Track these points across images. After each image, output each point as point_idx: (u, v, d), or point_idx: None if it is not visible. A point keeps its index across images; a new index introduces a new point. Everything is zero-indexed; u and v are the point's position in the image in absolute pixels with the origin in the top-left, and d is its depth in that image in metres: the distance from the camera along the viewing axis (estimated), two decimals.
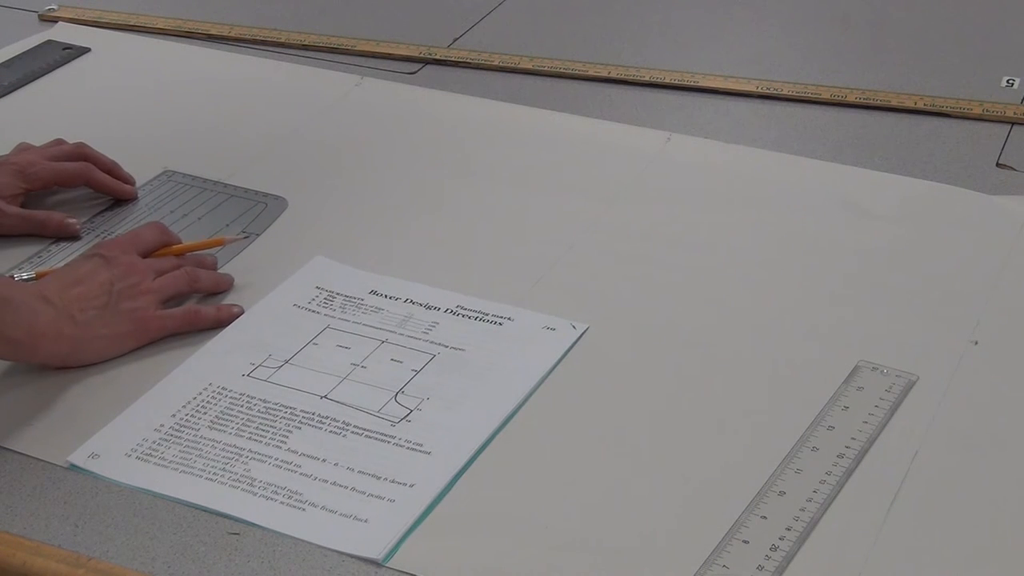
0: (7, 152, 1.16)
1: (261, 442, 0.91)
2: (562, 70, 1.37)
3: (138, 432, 0.92)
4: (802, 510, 0.84)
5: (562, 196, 1.17)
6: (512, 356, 0.98)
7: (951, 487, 0.87)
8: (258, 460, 0.90)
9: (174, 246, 1.07)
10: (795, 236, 1.11)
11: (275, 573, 0.82)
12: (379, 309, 1.03)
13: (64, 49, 1.42)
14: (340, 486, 0.88)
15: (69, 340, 0.96)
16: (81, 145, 1.17)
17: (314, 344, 1.00)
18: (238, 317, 1.02)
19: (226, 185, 1.18)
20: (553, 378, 0.96)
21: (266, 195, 1.17)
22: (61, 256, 1.09)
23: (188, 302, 1.04)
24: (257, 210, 1.16)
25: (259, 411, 0.94)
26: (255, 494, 0.87)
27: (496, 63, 1.39)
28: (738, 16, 1.49)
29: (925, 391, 0.94)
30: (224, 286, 1.06)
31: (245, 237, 1.11)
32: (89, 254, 1.02)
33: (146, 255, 1.05)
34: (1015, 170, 1.19)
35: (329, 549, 0.83)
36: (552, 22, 1.49)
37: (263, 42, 1.45)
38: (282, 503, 0.87)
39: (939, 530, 0.84)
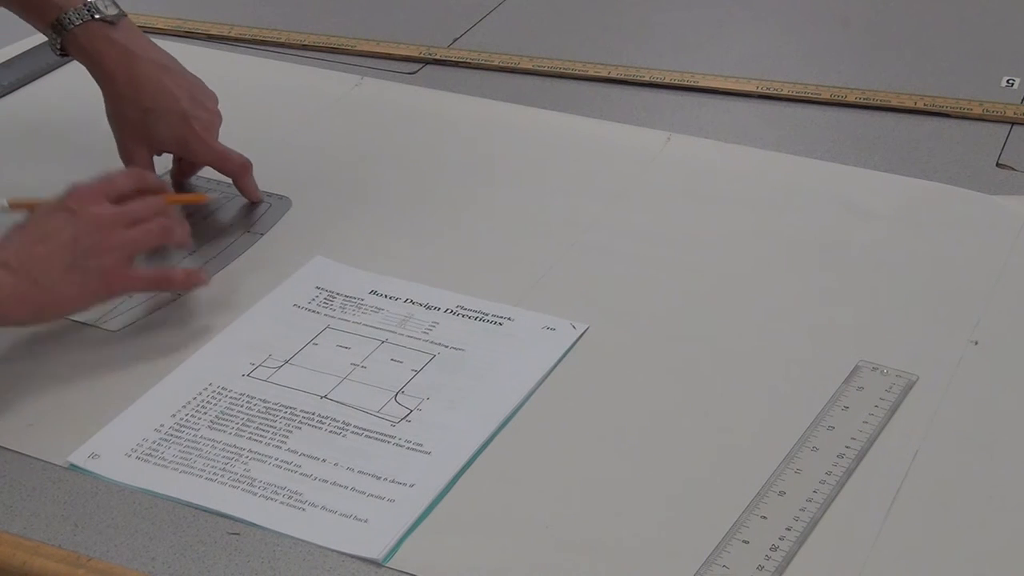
0: None
1: (261, 442, 0.91)
2: (562, 70, 1.37)
3: (138, 432, 0.92)
4: (802, 510, 0.84)
5: (562, 196, 1.17)
6: (512, 356, 0.98)
7: (951, 487, 0.87)
8: (258, 460, 0.90)
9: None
10: (795, 236, 1.11)
11: (275, 573, 0.82)
12: (379, 309, 1.03)
13: None
14: (340, 486, 0.88)
15: (31, 305, 0.95)
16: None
17: (314, 344, 1.00)
18: (204, 285, 1.02)
19: (230, 185, 1.18)
20: (553, 378, 0.96)
21: (270, 195, 1.17)
22: None
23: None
24: (262, 209, 1.16)
25: (259, 411, 0.94)
26: (255, 494, 0.87)
27: (496, 63, 1.39)
28: (738, 16, 1.49)
29: (925, 391, 0.94)
30: (189, 246, 1.06)
31: (226, 197, 1.15)
32: (56, 206, 0.98)
33: (119, 202, 1.00)
34: (1015, 170, 1.20)
35: (329, 549, 0.83)
36: (552, 22, 1.49)
37: (263, 42, 1.45)
38: (282, 503, 0.87)
39: (939, 530, 0.84)
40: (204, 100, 1.14)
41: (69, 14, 1.11)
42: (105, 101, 1.13)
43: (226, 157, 1.14)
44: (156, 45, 1.14)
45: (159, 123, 1.11)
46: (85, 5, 1.11)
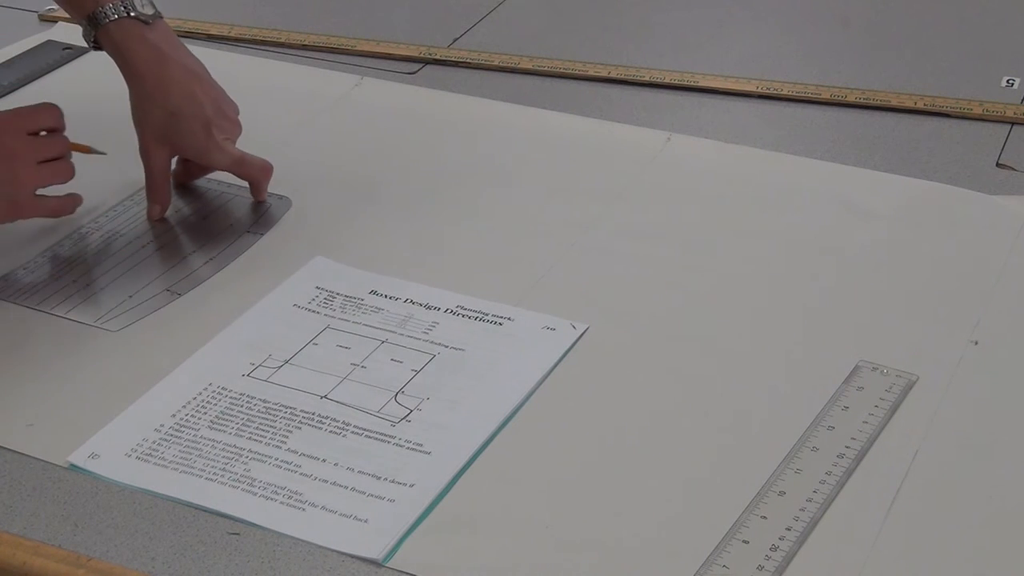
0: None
1: (261, 442, 0.91)
2: (562, 70, 1.37)
3: (138, 432, 0.92)
4: (802, 510, 0.84)
5: (562, 196, 1.17)
6: (512, 356, 0.98)
7: (951, 487, 0.87)
8: (258, 460, 0.90)
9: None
10: (795, 236, 1.11)
11: (275, 573, 0.82)
12: (379, 309, 1.03)
13: (64, 49, 1.42)
14: (340, 486, 0.88)
15: None
16: None
17: (314, 344, 1.00)
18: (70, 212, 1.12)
19: (230, 185, 1.18)
20: (553, 378, 0.96)
21: (270, 195, 1.17)
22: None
23: None
24: (262, 209, 1.16)
25: (259, 411, 0.94)
26: (255, 494, 0.87)
27: (496, 63, 1.39)
28: (738, 16, 1.49)
29: (925, 391, 0.94)
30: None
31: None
32: None
33: (33, 134, 1.08)
34: (1015, 170, 1.20)
35: (329, 549, 0.83)
36: (552, 22, 1.49)
37: (263, 42, 1.45)
38: (282, 503, 0.87)
39: (939, 530, 0.84)
40: (227, 110, 1.15)
41: (106, 8, 1.12)
42: (131, 99, 1.13)
43: (245, 162, 1.15)
44: (188, 50, 1.15)
45: (182, 128, 1.12)
46: (123, 1, 1.12)
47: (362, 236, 1.13)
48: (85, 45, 1.42)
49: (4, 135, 1.06)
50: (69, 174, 1.10)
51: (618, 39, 1.44)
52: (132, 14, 1.12)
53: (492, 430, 0.92)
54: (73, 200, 1.12)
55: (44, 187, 1.09)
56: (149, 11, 1.13)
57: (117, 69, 1.15)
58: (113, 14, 1.12)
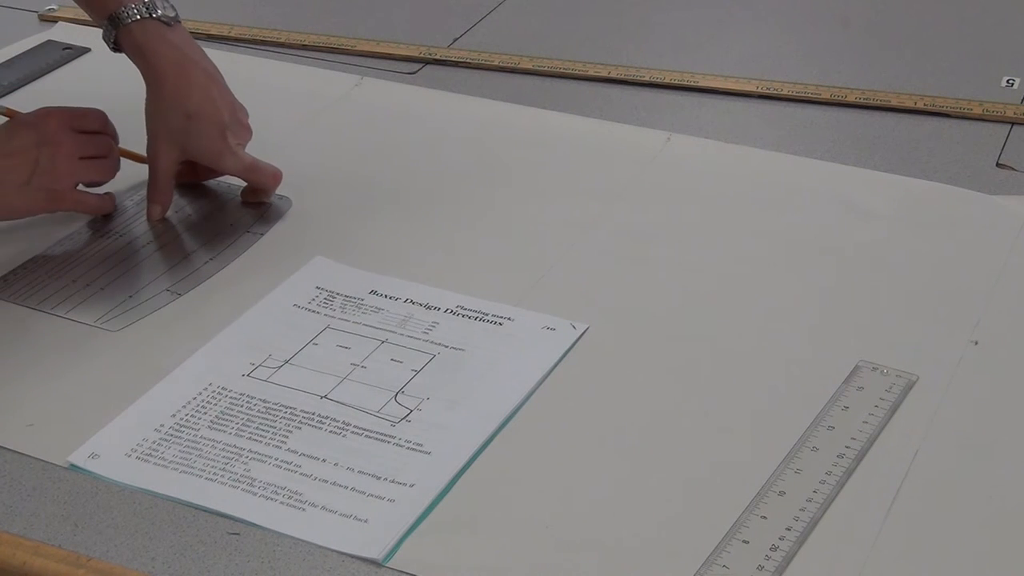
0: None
1: (261, 442, 0.91)
2: (562, 70, 1.37)
3: (138, 432, 0.92)
4: (802, 510, 0.84)
5: (562, 196, 1.17)
6: (512, 356, 0.98)
7: (951, 487, 0.87)
8: (258, 460, 0.90)
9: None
10: (795, 236, 1.11)
11: (275, 573, 0.82)
12: (379, 309, 1.03)
13: (64, 49, 1.42)
14: (340, 486, 0.88)
15: None
16: None
17: (314, 344, 1.00)
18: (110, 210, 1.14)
19: (230, 185, 1.18)
20: (553, 378, 0.96)
21: None
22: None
23: None
24: (262, 209, 1.16)
25: (259, 411, 0.94)
26: (255, 494, 0.87)
27: (496, 63, 1.39)
28: (738, 16, 1.49)
29: (925, 391, 0.94)
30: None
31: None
32: (29, 124, 1.09)
33: (82, 133, 1.11)
34: (1015, 170, 1.20)
35: (329, 549, 0.83)
36: (552, 22, 1.49)
37: (263, 42, 1.45)
38: (282, 503, 0.87)
39: (939, 530, 0.84)
40: (240, 115, 1.16)
41: (128, 9, 1.12)
42: (148, 99, 1.13)
43: (257, 168, 1.15)
44: (205, 53, 1.16)
45: (198, 132, 1.12)
46: (144, 3, 1.12)
47: (362, 236, 1.13)
48: (85, 46, 1.43)
49: (49, 126, 1.08)
50: (110, 173, 1.13)
51: (618, 39, 1.44)
52: (155, 15, 1.12)
53: (492, 430, 0.92)
54: (112, 199, 1.14)
55: (85, 182, 1.11)
56: (171, 13, 1.14)
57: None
58: (136, 15, 1.12)
